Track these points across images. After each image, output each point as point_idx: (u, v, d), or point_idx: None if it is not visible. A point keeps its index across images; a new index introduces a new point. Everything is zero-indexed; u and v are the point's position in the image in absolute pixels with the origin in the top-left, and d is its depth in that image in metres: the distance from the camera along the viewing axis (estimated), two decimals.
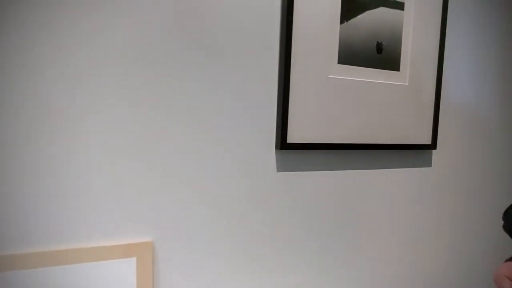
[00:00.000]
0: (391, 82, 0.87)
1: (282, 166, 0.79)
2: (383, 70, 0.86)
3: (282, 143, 0.76)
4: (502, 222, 0.78)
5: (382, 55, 0.85)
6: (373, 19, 0.83)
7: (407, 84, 0.89)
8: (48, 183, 0.61)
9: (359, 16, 0.81)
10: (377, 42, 0.84)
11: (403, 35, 0.87)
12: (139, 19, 0.64)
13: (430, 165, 0.98)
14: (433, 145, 0.95)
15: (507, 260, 0.67)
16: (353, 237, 0.88)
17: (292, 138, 0.77)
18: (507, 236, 1.17)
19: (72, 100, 0.61)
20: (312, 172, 0.82)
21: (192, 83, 0.69)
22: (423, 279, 1.01)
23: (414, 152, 0.95)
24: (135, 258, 0.67)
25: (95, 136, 0.63)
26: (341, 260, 0.87)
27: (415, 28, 0.88)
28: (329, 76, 0.80)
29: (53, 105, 0.59)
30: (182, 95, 0.68)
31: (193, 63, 0.69)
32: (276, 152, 0.78)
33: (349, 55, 0.81)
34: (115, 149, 0.64)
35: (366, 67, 0.84)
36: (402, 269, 0.97)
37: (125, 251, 0.66)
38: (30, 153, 0.59)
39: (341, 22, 0.80)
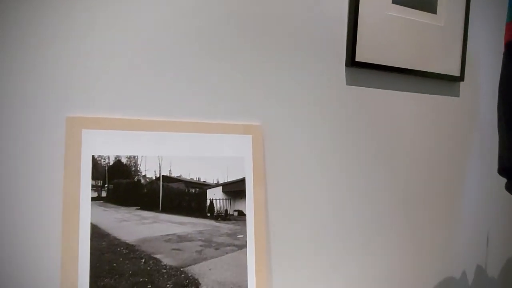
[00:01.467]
0: (430, 22, 1.11)
1: (350, 81, 1.02)
2: (424, 12, 1.10)
3: (352, 61, 1.00)
4: None
5: None
6: None
7: (442, 25, 1.13)
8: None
9: None
10: None
11: None
12: None
13: (458, 95, 1.22)
14: (461, 77, 1.18)
15: None
16: (388, 150, 1.12)
17: (359, 57, 1.01)
18: None
19: None
20: (372, 88, 1.06)
21: (283, 13, 0.93)
22: (435, 199, 1.24)
23: (446, 83, 1.19)
24: (251, 136, 0.90)
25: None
26: (373, 167, 1.11)
27: None
28: (386, 13, 1.03)
29: None
30: (274, 20, 0.92)
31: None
32: (346, 69, 1.02)
33: None
34: (238, 59, 0.88)
35: (411, 8, 1.07)
36: (416, 183, 1.20)
37: (244, 129, 0.89)
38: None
39: None
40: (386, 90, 1.08)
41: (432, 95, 1.17)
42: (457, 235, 1.27)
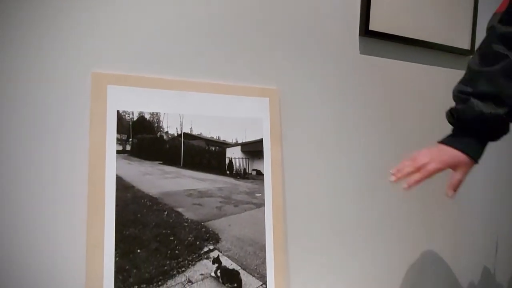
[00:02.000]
0: None
1: (363, 50, 1.05)
2: None
3: (366, 30, 1.02)
4: None
5: None
6: None
7: None
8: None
9: None
10: None
11: None
12: None
13: None
14: (471, 51, 1.20)
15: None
16: (397, 120, 1.14)
17: (372, 27, 1.03)
18: None
19: None
20: (385, 58, 1.08)
21: None
22: None
23: (456, 56, 1.21)
24: (268, 99, 0.92)
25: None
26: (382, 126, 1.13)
27: None
28: None
29: None
30: None
31: None
32: (359, 39, 1.04)
33: None
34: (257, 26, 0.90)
35: None
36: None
37: (261, 92, 0.91)
38: None
39: None
40: (399, 61, 1.10)
41: (443, 68, 1.19)
42: (464, 234, 1.29)
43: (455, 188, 0.78)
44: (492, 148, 1.24)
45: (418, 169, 0.76)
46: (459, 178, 0.77)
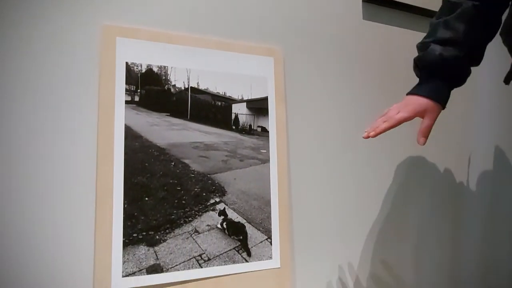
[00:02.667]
0: None
1: (366, 16, 1.06)
2: None
3: None
4: None
5: None
6: None
7: None
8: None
9: None
10: None
11: None
12: None
13: None
14: None
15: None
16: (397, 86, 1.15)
17: None
18: None
19: None
20: (387, 25, 1.09)
21: None
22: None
23: None
24: (273, 58, 0.94)
25: None
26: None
27: None
28: None
29: None
30: None
31: None
32: (362, 4, 1.05)
33: None
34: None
35: None
36: None
37: (266, 51, 0.93)
38: None
39: None
40: (401, 28, 1.12)
41: None
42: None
43: (425, 134, 0.79)
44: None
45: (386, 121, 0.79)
46: (428, 124, 0.78)
